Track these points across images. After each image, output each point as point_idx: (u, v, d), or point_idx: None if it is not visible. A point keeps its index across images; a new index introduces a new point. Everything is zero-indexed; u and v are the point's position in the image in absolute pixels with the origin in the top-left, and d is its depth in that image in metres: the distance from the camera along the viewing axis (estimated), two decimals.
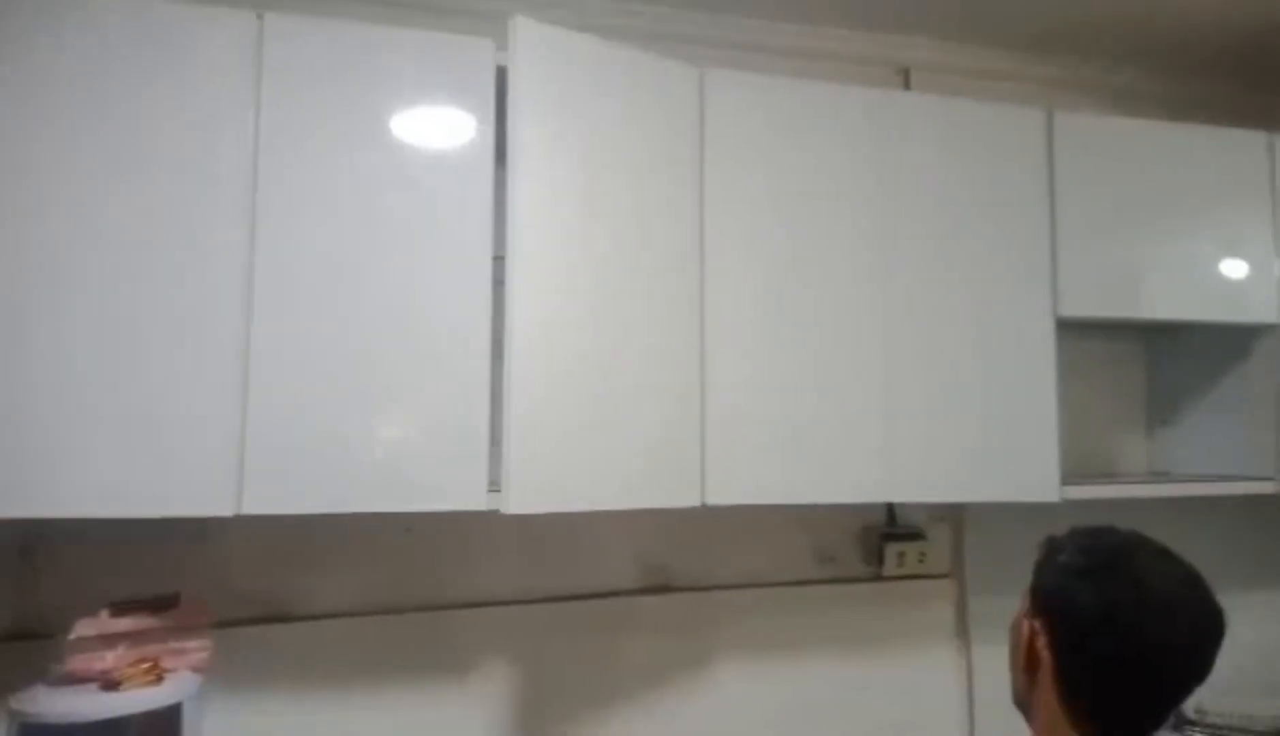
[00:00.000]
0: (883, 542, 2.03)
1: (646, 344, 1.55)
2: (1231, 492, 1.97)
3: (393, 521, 1.72)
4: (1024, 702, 1.01)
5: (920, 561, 2.05)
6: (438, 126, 1.49)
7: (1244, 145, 1.99)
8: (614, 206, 1.54)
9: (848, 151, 1.74)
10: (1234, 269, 1.97)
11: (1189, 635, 0.91)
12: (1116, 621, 0.90)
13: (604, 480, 1.48)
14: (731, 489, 1.61)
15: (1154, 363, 2.30)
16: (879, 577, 2.05)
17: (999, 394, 1.80)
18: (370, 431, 1.42)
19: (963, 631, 2.10)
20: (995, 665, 1.97)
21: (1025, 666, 0.97)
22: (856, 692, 2.00)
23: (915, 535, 2.05)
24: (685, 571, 1.97)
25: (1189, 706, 2.02)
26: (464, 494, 1.42)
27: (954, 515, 2.12)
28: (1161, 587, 0.91)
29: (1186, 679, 0.91)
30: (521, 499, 1.35)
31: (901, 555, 2.03)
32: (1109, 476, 2.15)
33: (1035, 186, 1.85)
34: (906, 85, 2.13)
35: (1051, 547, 1.02)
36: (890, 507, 2.07)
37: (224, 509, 1.34)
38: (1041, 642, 0.95)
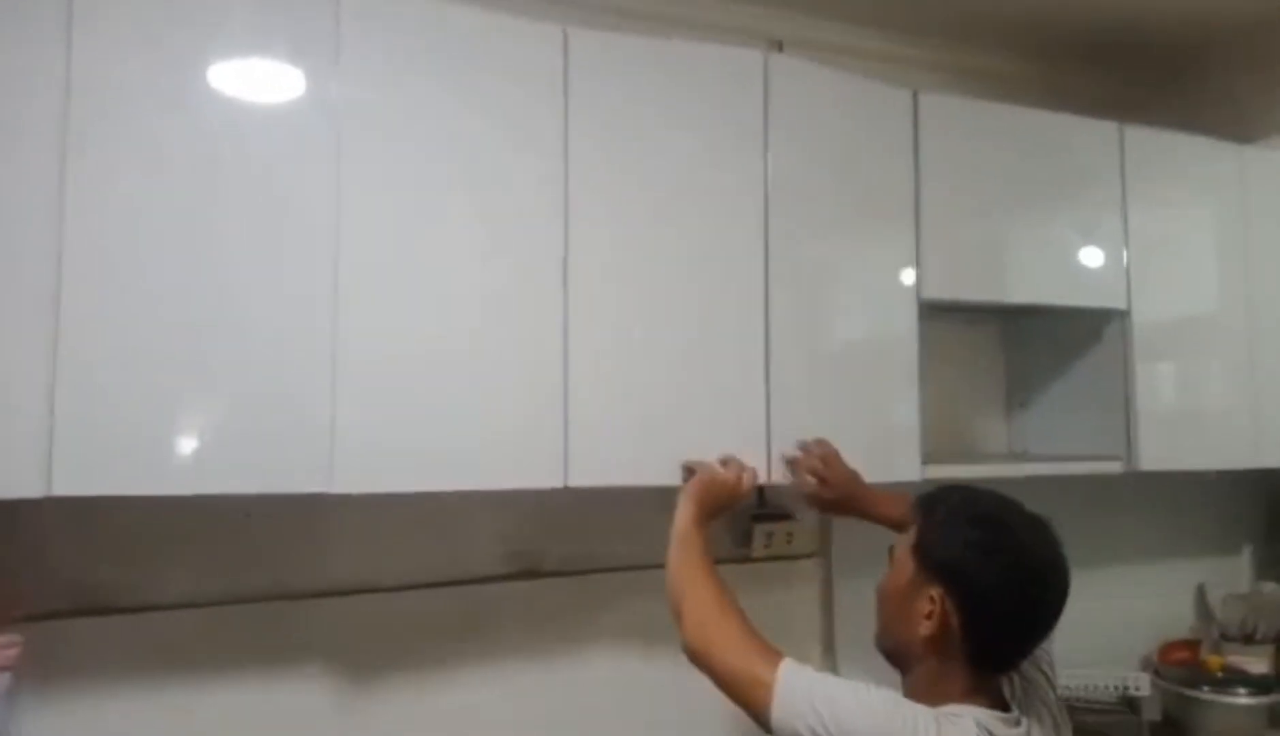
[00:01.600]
0: (752, 523, 2.03)
1: (503, 318, 1.49)
2: (1083, 472, 2.05)
3: (230, 506, 1.60)
4: (903, 654, 1.14)
5: (788, 542, 2.05)
6: (271, 82, 1.38)
7: (1098, 134, 2.06)
8: (474, 175, 1.47)
9: (716, 116, 1.67)
10: (1088, 255, 2.04)
11: (1061, 591, 1.08)
12: (1016, 593, 1.05)
13: (452, 459, 1.42)
14: (595, 469, 1.55)
15: (1012, 346, 2.37)
16: (748, 559, 2.05)
17: (865, 374, 1.81)
18: (194, 409, 1.31)
19: (828, 610, 2.12)
20: (860, 641, 2.04)
21: (931, 631, 1.07)
22: None
23: (784, 515, 2.06)
24: (555, 555, 1.92)
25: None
26: (296, 475, 1.33)
27: None
28: (1042, 555, 1.08)
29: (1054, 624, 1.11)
30: (350, 478, 1.27)
31: (770, 536, 2.03)
32: (970, 457, 2.20)
33: (901, 166, 1.85)
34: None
35: (930, 513, 1.14)
36: (761, 488, 2.06)
37: (32, 489, 1.21)
38: (948, 610, 1.06)
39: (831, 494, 1.59)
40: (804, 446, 1.62)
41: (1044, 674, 1.21)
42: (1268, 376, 2.19)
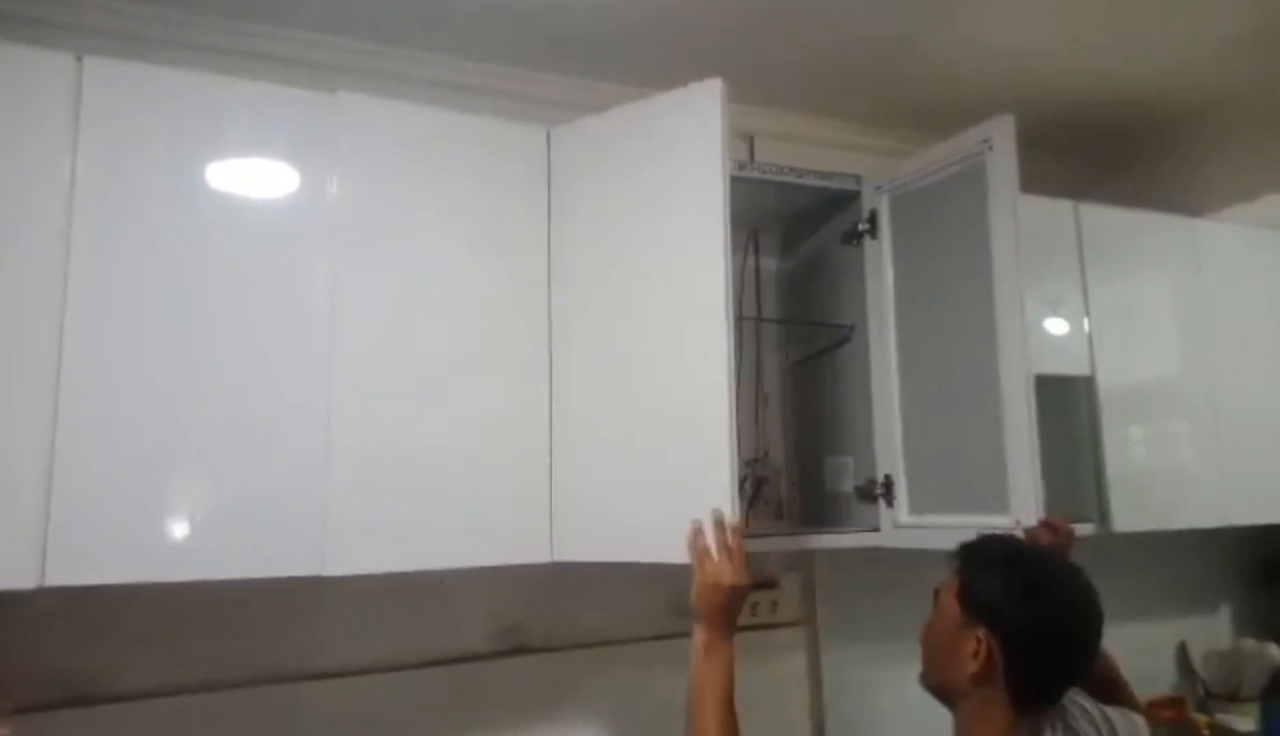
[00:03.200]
0: None
1: (488, 402, 1.55)
2: None
3: (223, 591, 1.62)
4: (950, 691, 1.21)
5: (773, 611, 2.08)
6: (270, 180, 1.46)
7: (1056, 212, 2.17)
8: (456, 272, 1.54)
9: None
10: (1053, 326, 2.12)
11: (1096, 627, 1.19)
12: (1055, 629, 1.15)
13: (441, 538, 1.46)
14: (581, 544, 1.58)
15: None
16: None
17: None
18: (187, 496, 1.35)
19: (815, 678, 2.13)
20: (846, 709, 2.05)
21: (978, 669, 1.15)
22: None
23: (768, 584, 2.09)
24: (541, 631, 1.94)
25: None
26: (289, 559, 1.37)
27: (805, 562, 2.16)
28: (1078, 594, 1.18)
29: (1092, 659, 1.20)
30: (342, 561, 1.31)
31: (755, 605, 2.06)
32: None
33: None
34: (751, 150, 2.23)
35: (971, 559, 1.23)
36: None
37: (26, 581, 1.24)
38: (992, 648, 1.15)
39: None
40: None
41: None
42: (1232, 436, 2.27)
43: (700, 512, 1.36)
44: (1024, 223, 2.09)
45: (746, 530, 1.38)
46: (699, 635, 1.29)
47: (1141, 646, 2.49)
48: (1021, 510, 1.55)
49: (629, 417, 1.50)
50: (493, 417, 1.54)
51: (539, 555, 1.55)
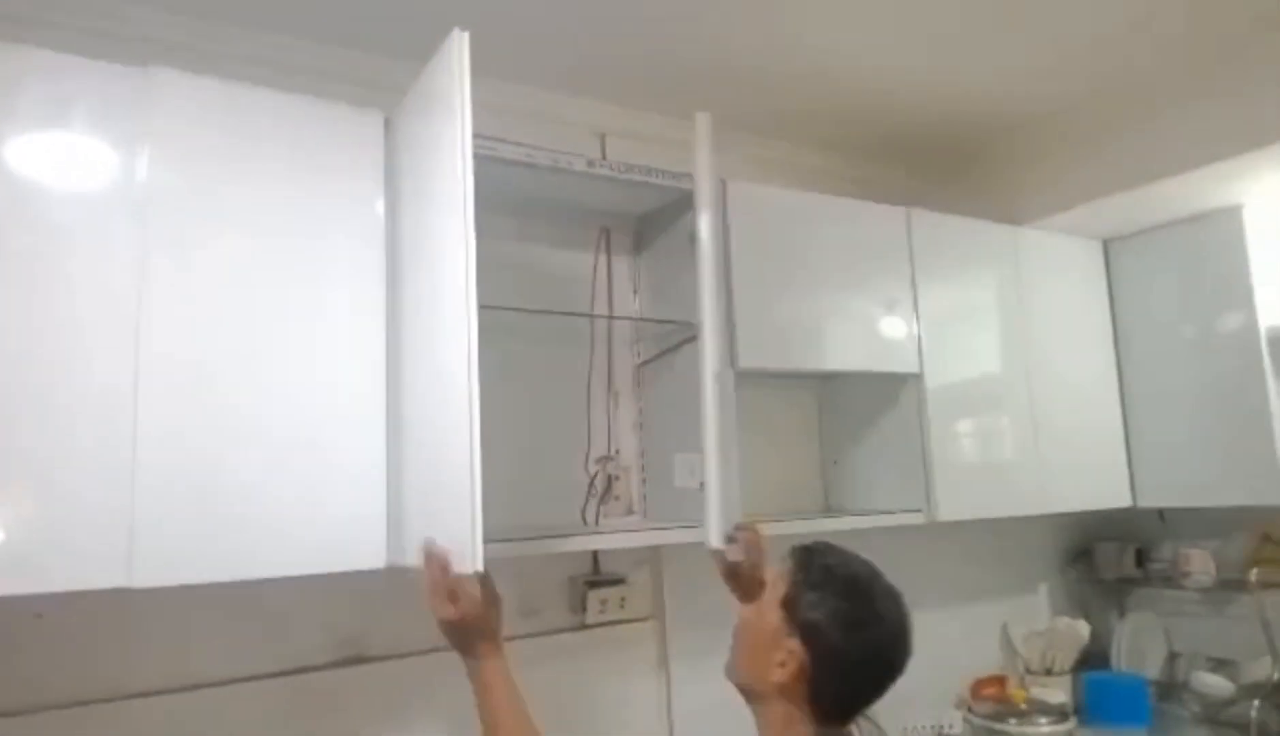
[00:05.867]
0: (586, 589, 2.06)
1: (315, 401, 1.47)
2: (889, 524, 2.21)
3: (18, 607, 1.50)
4: (752, 691, 1.22)
5: (621, 606, 2.10)
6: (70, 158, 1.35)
7: (890, 218, 2.29)
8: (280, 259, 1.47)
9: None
10: (886, 326, 2.23)
11: (904, 659, 1.19)
12: (868, 662, 1.17)
13: (263, 546, 1.39)
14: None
15: (824, 409, 2.56)
16: (583, 626, 2.07)
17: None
18: None
19: (664, 671, 2.17)
20: (696, 700, 2.09)
21: (782, 679, 1.16)
22: None
23: (617, 580, 2.11)
24: (381, 639, 1.88)
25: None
26: (91, 571, 1.27)
27: (654, 557, 2.19)
28: (896, 628, 1.18)
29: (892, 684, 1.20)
30: (151, 572, 1.22)
31: (604, 602, 2.07)
32: (792, 513, 2.33)
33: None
34: (602, 147, 2.24)
35: (805, 569, 1.21)
36: (595, 554, 2.11)
37: None
38: (802, 664, 1.15)
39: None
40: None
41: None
42: (1049, 431, 2.46)
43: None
44: (862, 229, 2.23)
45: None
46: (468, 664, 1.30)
47: (969, 628, 2.68)
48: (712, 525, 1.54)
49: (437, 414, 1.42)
50: (318, 416, 1.47)
51: (372, 560, 1.48)
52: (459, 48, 1.29)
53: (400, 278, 1.53)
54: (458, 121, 1.27)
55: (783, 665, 1.16)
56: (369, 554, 1.48)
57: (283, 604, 1.76)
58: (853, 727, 1.24)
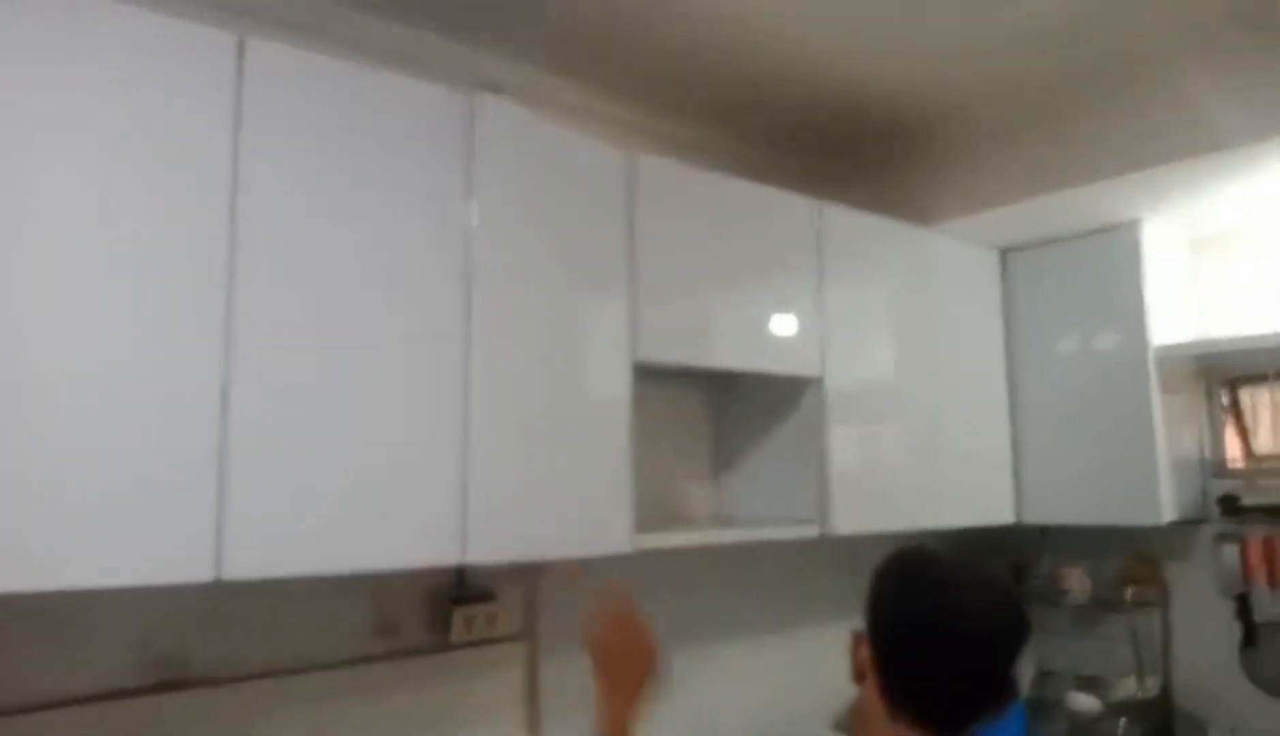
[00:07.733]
0: (451, 607, 1.82)
1: (136, 376, 1.23)
2: (782, 536, 2.07)
3: None
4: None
5: (490, 625, 1.86)
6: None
7: (798, 209, 2.14)
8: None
9: (421, 158, 1.53)
10: (786, 324, 2.08)
11: (997, 646, 1.04)
12: (934, 649, 1.02)
13: (71, 550, 1.16)
14: (257, 558, 1.31)
15: (718, 411, 2.37)
16: (446, 647, 1.83)
17: (575, 441, 1.69)
18: None
19: (533, 696, 1.94)
20: (566, 723, 1.89)
21: (855, 675, 1.10)
22: None
23: (485, 596, 1.87)
24: (204, 661, 1.58)
25: None
26: None
27: (528, 572, 1.97)
28: (975, 602, 1.03)
29: (991, 684, 1.05)
30: None
31: (470, 619, 1.83)
32: (680, 522, 2.16)
33: (617, 226, 1.79)
34: None
35: (882, 576, 1.10)
36: (460, 568, 1.86)
37: None
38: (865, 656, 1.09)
39: None
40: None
41: None
42: (947, 442, 2.38)
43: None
44: (773, 220, 2.08)
45: None
46: None
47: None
48: None
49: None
50: (145, 403, 1.24)
51: (198, 572, 1.26)
52: None
53: None
54: None
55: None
56: (193, 564, 1.24)
57: (90, 618, 1.44)
58: None
